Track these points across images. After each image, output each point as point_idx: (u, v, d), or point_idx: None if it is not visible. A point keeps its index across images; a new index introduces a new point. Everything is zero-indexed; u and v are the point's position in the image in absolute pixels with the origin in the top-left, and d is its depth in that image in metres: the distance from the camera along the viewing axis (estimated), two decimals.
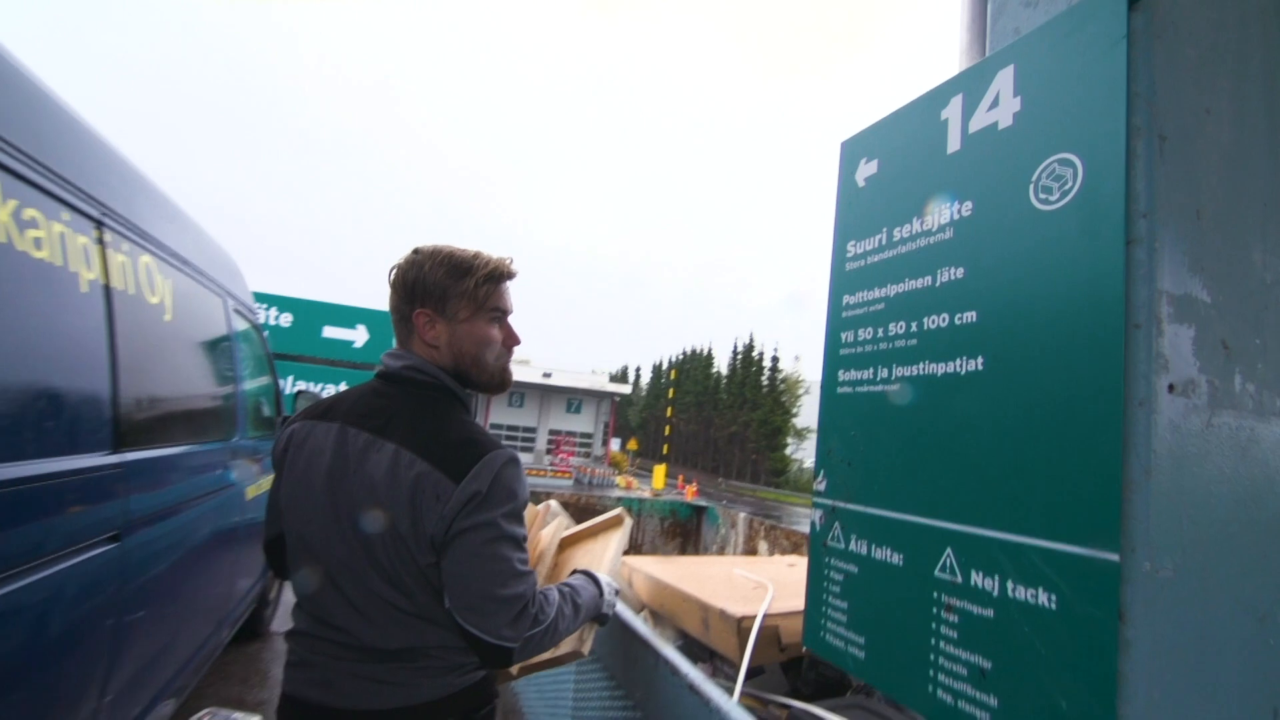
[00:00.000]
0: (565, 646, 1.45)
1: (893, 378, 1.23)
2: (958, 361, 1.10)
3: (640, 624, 1.73)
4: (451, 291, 1.16)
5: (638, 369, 71.36)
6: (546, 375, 38.24)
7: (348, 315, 7.60)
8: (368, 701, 1.05)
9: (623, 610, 1.74)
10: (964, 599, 1.04)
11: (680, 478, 34.90)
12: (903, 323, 1.22)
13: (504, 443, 1.11)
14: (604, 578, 1.40)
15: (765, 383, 46.51)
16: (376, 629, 1.06)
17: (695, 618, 2.77)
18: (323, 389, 7.23)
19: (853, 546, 1.26)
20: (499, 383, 1.23)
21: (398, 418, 1.11)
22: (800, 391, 47.35)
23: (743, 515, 6.19)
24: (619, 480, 29.72)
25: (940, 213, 1.17)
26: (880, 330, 1.27)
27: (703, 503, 6.85)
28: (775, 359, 46.81)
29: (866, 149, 1.38)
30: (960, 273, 1.11)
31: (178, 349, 2.13)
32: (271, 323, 7.30)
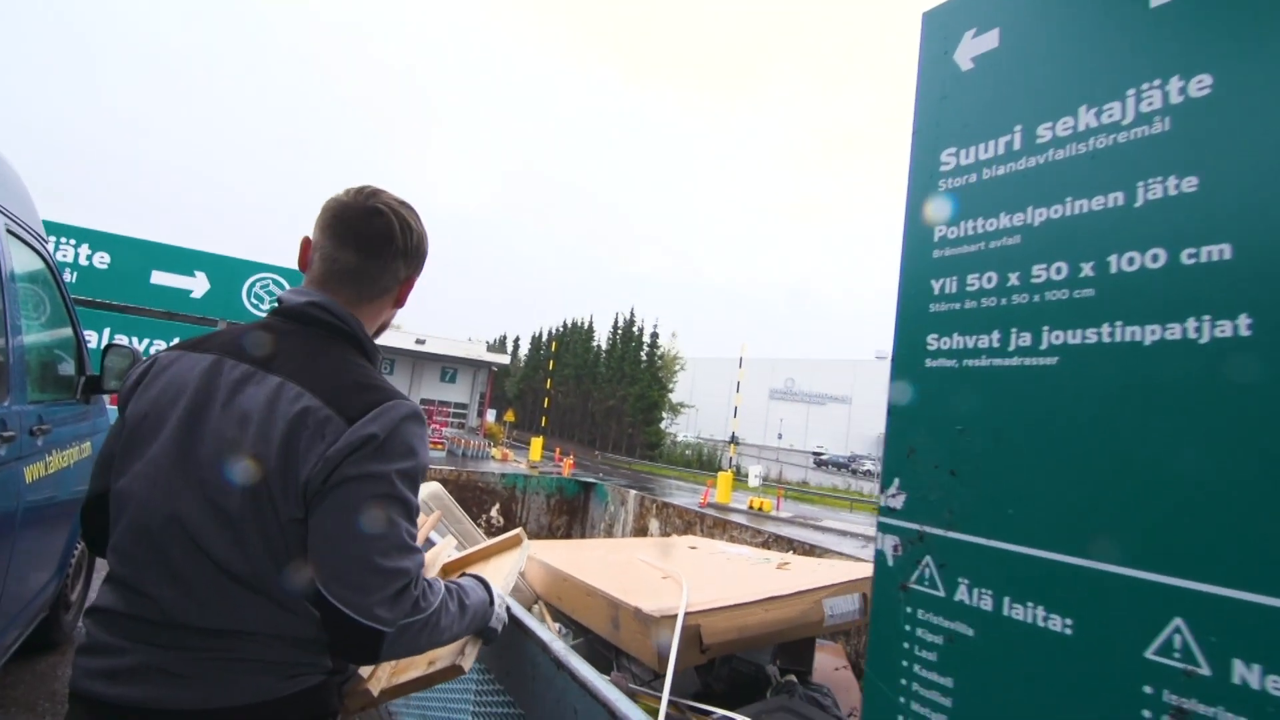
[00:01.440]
0: (443, 657, 1.19)
1: (1045, 346, 0.82)
2: (1191, 323, 0.72)
3: (536, 623, 1.40)
4: (421, 266, 1.14)
5: (516, 339, 69.73)
6: (420, 342, 36.27)
7: (184, 259, 6.42)
8: (157, 698, 0.85)
9: (515, 608, 1.41)
10: (1214, 702, 0.66)
11: (557, 450, 34.58)
12: (1063, 264, 0.82)
13: None
14: (496, 588, 1.22)
15: (644, 358, 47.00)
16: (193, 600, 0.87)
17: (602, 615, 2.48)
18: (149, 345, 6.11)
19: (963, 596, 0.86)
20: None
21: (291, 354, 0.95)
22: (677, 367, 48.36)
23: (633, 493, 5.98)
24: (494, 452, 28.94)
25: (1143, 96, 0.79)
26: (1015, 275, 0.86)
27: (590, 479, 6.57)
28: (655, 334, 47.36)
29: (974, 16, 0.98)
30: (1191, 184, 0.74)
31: None
32: (81, 262, 6.03)
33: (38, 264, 2.54)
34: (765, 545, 4.32)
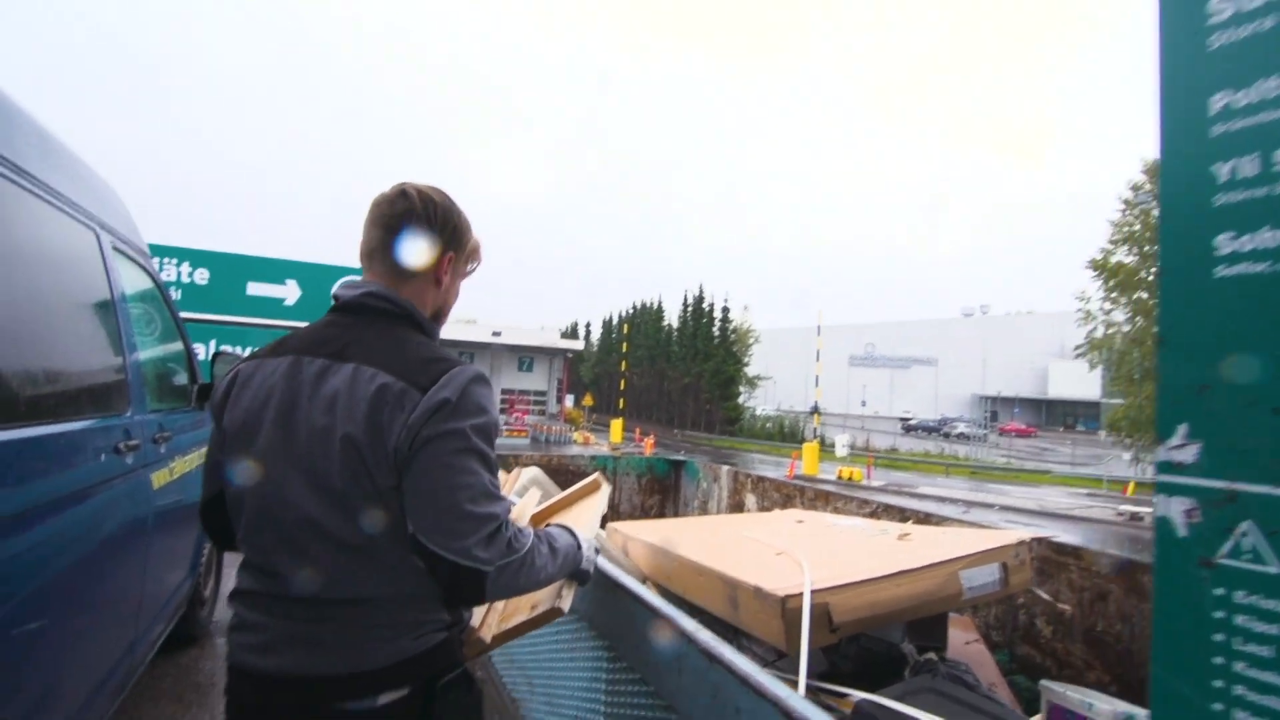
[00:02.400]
0: (543, 601, 1.30)
1: None
2: None
3: (676, 611, 1.30)
4: (467, 244, 1.18)
5: (588, 325, 70.53)
6: (496, 334, 37.17)
7: (275, 269, 6.72)
8: (302, 666, 0.95)
9: (641, 590, 1.38)
10: None
11: (637, 431, 34.80)
12: None
13: None
14: (582, 532, 1.27)
15: (716, 334, 46.49)
16: (319, 574, 0.96)
17: (717, 594, 2.36)
18: (249, 352, 6.43)
19: None
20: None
21: (356, 343, 1.03)
22: (750, 341, 47.60)
23: (726, 469, 5.84)
24: (576, 436, 29.40)
25: None
26: None
27: (681, 457, 6.48)
28: (726, 309, 46.73)
29: None
30: None
31: (22, 298, 1.53)
32: (184, 280, 6.39)
33: (145, 281, 2.62)
34: (874, 515, 4.10)
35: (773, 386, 56.36)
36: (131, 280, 2.38)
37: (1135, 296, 27.50)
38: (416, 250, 1.11)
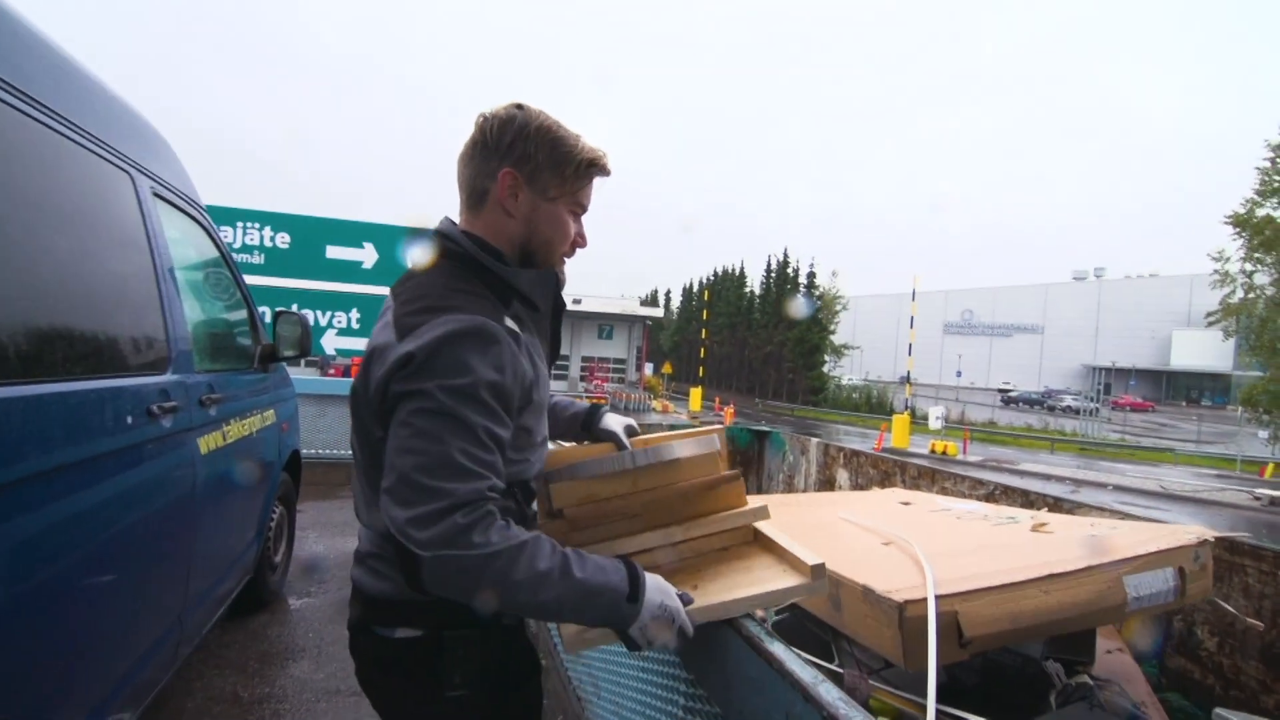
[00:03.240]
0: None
1: None
2: None
3: (792, 657, 0.97)
4: (548, 164, 1.04)
5: (668, 292, 70.04)
6: (576, 301, 37.43)
7: (352, 232, 6.71)
8: (362, 581, 1.05)
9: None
10: None
11: (716, 399, 34.38)
12: None
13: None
14: (657, 584, 0.97)
15: (801, 300, 44.97)
16: (365, 508, 1.04)
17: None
18: (331, 317, 6.51)
19: None
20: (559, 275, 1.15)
21: (404, 291, 1.01)
22: (838, 308, 45.81)
23: (815, 441, 5.41)
24: (655, 405, 29.35)
25: None
26: None
27: (765, 427, 6.08)
28: (812, 274, 45.05)
29: None
30: None
31: (28, 241, 1.36)
32: (266, 244, 6.49)
33: (197, 234, 2.49)
34: (991, 499, 3.61)
35: (859, 355, 54.27)
36: (178, 232, 2.23)
37: None
38: (484, 176, 1.04)
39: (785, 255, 46.95)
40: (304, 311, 6.45)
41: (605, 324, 40.48)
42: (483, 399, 0.89)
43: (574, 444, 1.38)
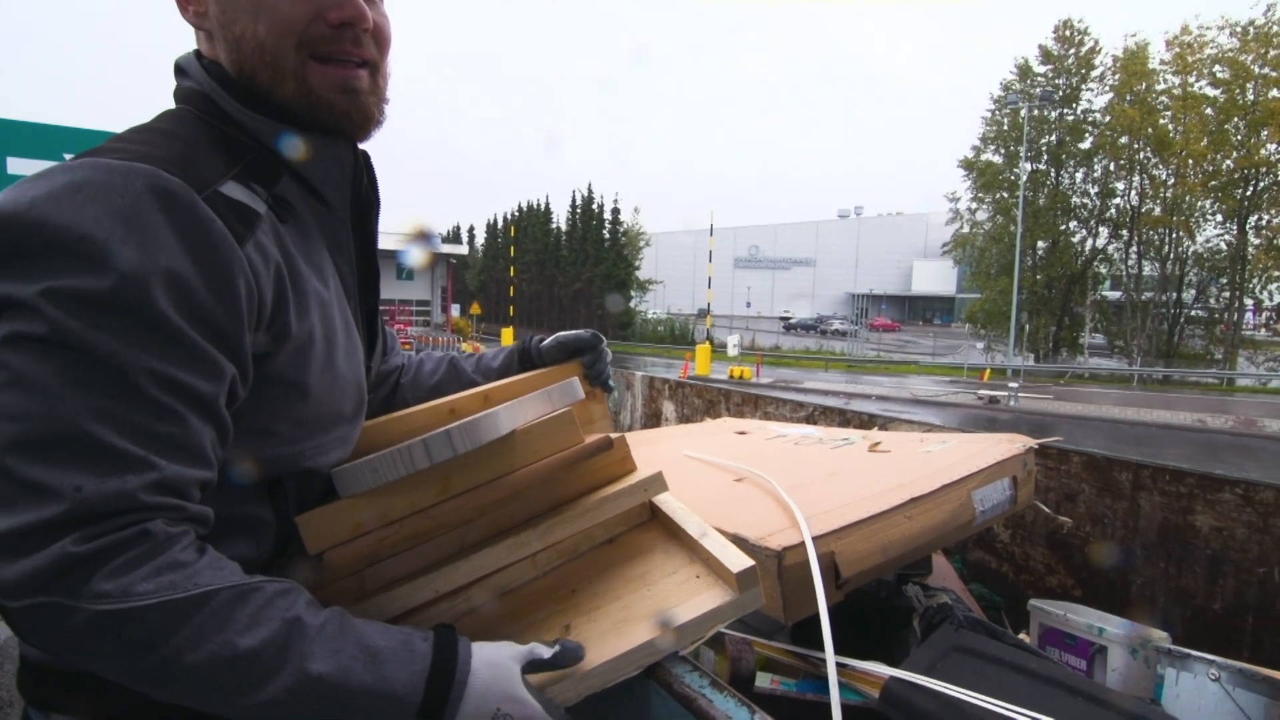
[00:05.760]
0: None
1: None
2: None
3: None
4: None
5: (471, 228, 66.47)
6: None
7: (46, 139, 5.12)
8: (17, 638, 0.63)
9: None
10: None
11: None
12: None
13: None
14: (489, 659, 0.59)
15: (607, 237, 45.27)
16: None
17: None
18: None
19: None
20: (321, 102, 0.65)
21: None
22: (642, 244, 46.95)
23: (640, 375, 5.30)
24: (465, 347, 28.13)
25: None
26: None
27: None
28: (616, 210, 45.36)
29: None
30: None
31: None
32: None
33: None
34: (811, 419, 3.71)
35: (662, 290, 56.51)
36: None
37: (997, 195, 29.33)
38: None
39: (590, 191, 46.69)
40: None
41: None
42: (153, 314, 0.50)
43: (385, 416, 0.92)
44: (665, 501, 0.95)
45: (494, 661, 0.60)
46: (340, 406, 0.71)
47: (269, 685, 0.51)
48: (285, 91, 0.65)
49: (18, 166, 5.05)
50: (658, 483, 0.96)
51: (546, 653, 0.64)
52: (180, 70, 0.68)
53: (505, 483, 0.80)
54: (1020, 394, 18.96)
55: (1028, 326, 28.28)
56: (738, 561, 0.82)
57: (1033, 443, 2.17)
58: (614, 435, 0.91)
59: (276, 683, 0.51)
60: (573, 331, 0.99)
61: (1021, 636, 2.13)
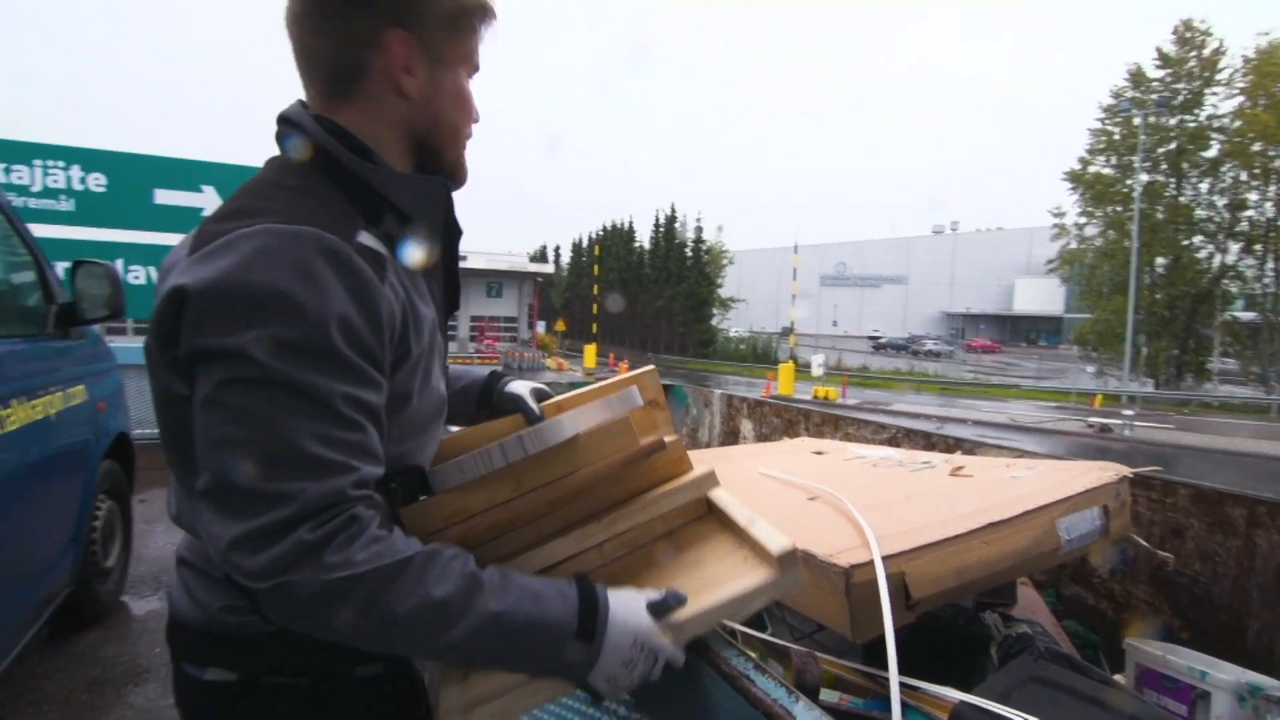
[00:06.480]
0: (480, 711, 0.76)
1: None
2: None
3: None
4: (440, 17, 0.76)
5: (557, 248, 68.43)
6: (462, 258, 35.75)
7: (188, 173, 5.74)
8: (174, 604, 0.78)
9: None
10: None
11: (611, 356, 34.37)
12: None
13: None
14: (627, 611, 0.73)
15: (689, 255, 45.49)
16: (175, 500, 0.78)
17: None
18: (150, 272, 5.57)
19: None
20: (462, 173, 0.87)
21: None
22: (724, 261, 46.87)
23: (718, 393, 5.33)
24: (549, 363, 28.92)
25: None
26: None
27: (666, 381, 5.95)
28: (699, 228, 45.56)
29: None
30: None
31: None
32: (75, 187, 5.40)
33: None
34: (894, 442, 3.63)
35: (745, 308, 56.08)
36: None
37: (1109, 209, 27.39)
38: (349, 43, 0.73)
39: (673, 211, 47.16)
40: (130, 265, 5.52)
41: (494, 281, 39.13)
42: (335, 350, 0.62)
43: (467, 427, 1.04)
44: (719, 496, 1.02)
45: (625, 600, 0.74)
46: (434, 411, 0.85)
47: (459, 625, 0.64)
48: (452, 157, 0.84)
49: (164, 197, 5.73)
50: (710, 480, 1.03)
51: (657, 595, 0.76)
52: (289, 121, 0.77)
53: (570, 480, 0.90)
54: (1136, 422, 17.53)
55: (1145, 349, 26.15)
56: (779, 544, 0.88)
57: (1127, 471, 2.06)
58: (669, 438, 0.98)
59: (464, 623, 0.64)
60: (539, 385, 1.08)
61: (1117, 678, 2.02)
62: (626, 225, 52.24)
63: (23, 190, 5.27)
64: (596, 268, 37.45)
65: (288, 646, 0.70)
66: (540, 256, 62.10)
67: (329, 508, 0.61)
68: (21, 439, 1.85)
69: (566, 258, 62.88)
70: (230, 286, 0.60)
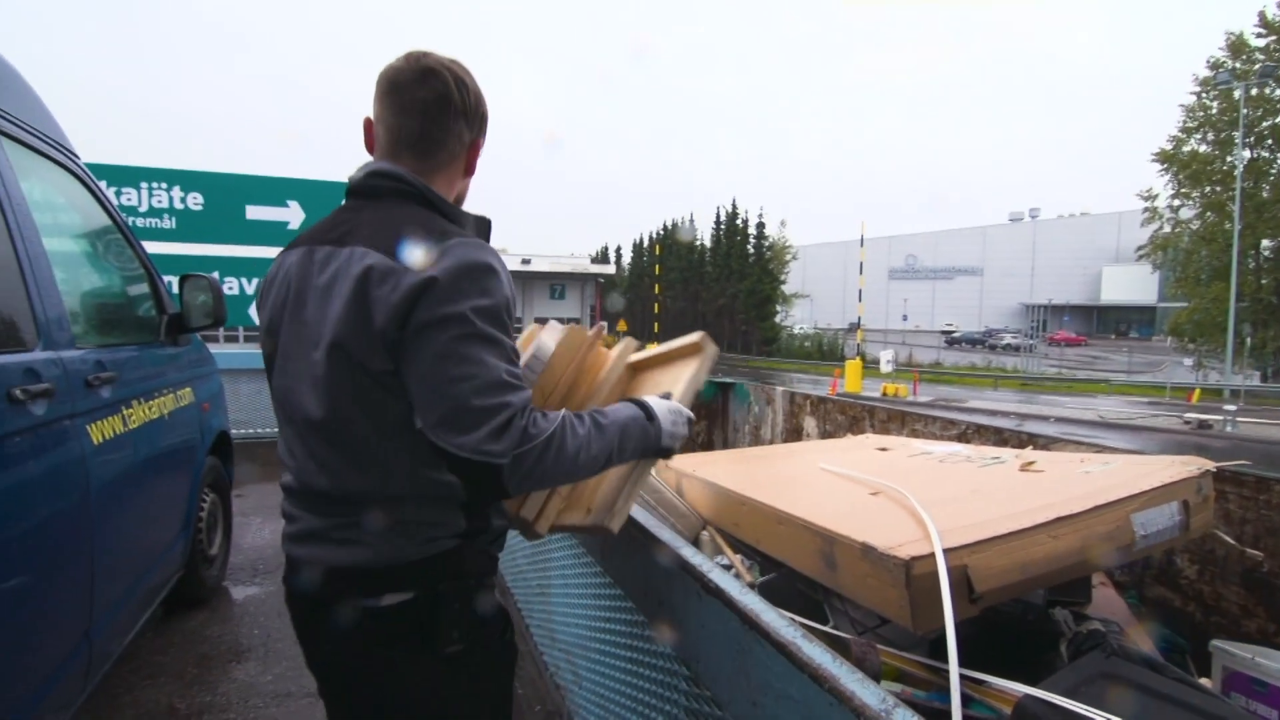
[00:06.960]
0: (596, 509, 1.21)
1: None
2: None
3: (761, 604, 0.96)
4: (485, 124, 1.13)
5: (618, 249, 68.97)
6: (525, 262, 36.65)
7: (275, 189, 6.14)
8: (320, 557, 1.00)
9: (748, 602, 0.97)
10: None
11: None
12: None
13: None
14: (658, 401, 1.15)
15: (751, 251, 44.97)
16: (321, 470, 0.98)
17: (806, 550, 1.87)
18: (256, 284, 5.99)
19: None
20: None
21: (364, 224, 0.98)
22: (788, 258, 46.05)
23: (780, 390, 5.30)
24: None
25: None
26: None
27: (728, 379, 5.95)
28: (761, 224, 44.97)
29: None
30: None
31: None
32: (177, 206, 5.90)
33: (67, 183, 2.10)
34: (963, 438, 3.54)
35: (809, 304, 55.00)
36: (42, 181, 1.86)
37: (1206, 189, 25.45)
38: (456, 140, 1.06)
39: (734, 206, 46.71)
40: (225, 278, 5.94)
41: (557, 283, 39.84)
42: (505, 320, 0.94)
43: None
44: (639, 355, 1.57)
45: (650, 396, 1.17)
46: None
47: (597, 442, 1.00)
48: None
49: (255, 213, 6.17)
50: (629, 349, 1.56)
51: (659, 393, 1.21)
52: (389, 176, 1.04)
53: (562, 381, 1.46)
54: (1239, 418, 16.26)
55: (1250, 340, 24.21)
56: (693, 338, 1.43)
57: (1210, 465, 1.96)
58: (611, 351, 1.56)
59: (599, 440, 1.00)
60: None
61: (1203, 681, 1.93)
62: (688, 223, 52.12)
63: (132, 210, 5.78)
64: (658, 267, 37.52)
65: (445, 563, 0.98)
66: (602, 257, 62.67)
67: (526, 406, 0.92)
68: (141, 436, 2.07)
69: (628, 258, 63.26)
70: (459, 275, 0.89)
